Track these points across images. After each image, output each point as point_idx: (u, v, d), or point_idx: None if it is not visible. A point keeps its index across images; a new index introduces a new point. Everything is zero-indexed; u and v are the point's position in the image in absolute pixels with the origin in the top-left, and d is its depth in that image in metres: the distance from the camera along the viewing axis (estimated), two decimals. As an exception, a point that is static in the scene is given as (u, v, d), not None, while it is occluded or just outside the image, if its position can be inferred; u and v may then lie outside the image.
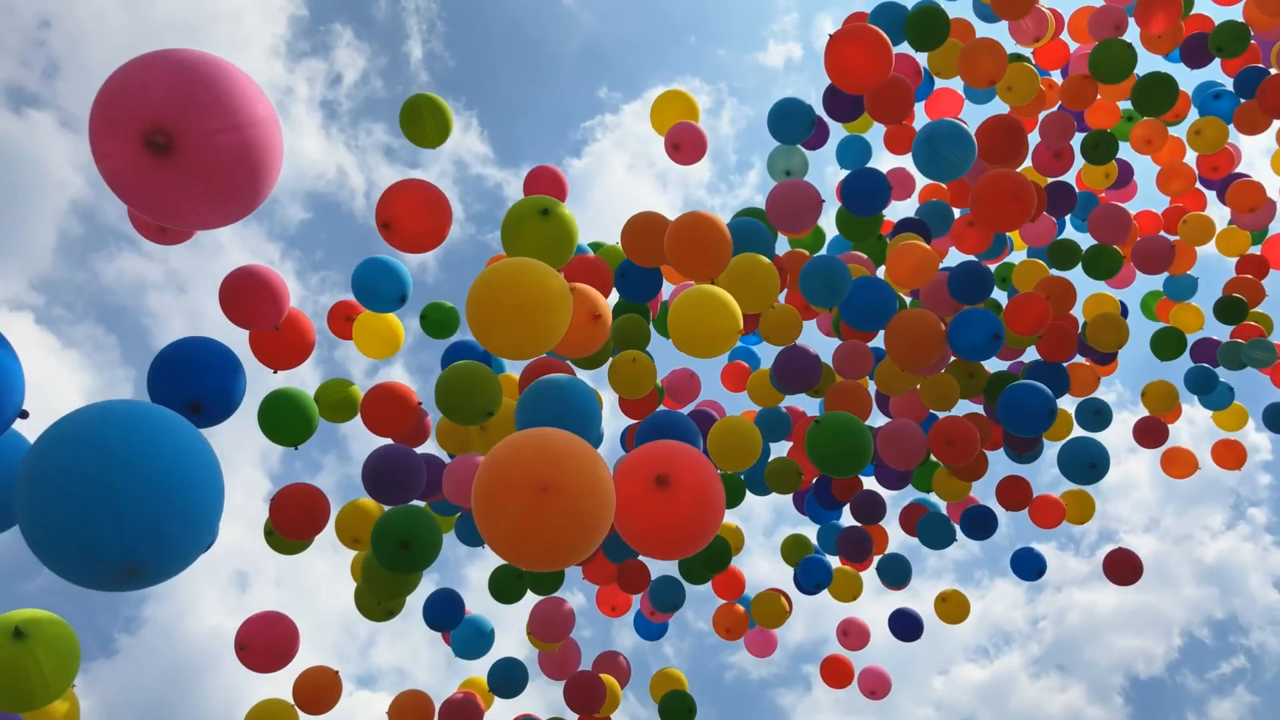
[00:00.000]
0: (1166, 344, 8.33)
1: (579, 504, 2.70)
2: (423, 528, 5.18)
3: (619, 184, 24.09)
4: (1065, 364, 7.41)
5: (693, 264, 5.46)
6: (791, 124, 7.12)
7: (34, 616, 3.78)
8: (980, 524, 7.71)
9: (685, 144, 7.01)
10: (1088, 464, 6.18)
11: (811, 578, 8.08)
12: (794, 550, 8.40)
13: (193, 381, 4.40)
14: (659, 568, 7.69)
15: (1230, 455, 8.86)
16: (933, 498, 8.17)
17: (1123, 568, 7.72)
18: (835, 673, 8.52)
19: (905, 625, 8.15)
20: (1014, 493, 7.74)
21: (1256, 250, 8.59)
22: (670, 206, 22.75)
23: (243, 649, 5.82)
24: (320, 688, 6.40)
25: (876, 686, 8.47)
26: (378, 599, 5.89)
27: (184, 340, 4.57)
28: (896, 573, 8.14)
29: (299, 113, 21.85)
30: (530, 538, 2.70)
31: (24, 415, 2.98)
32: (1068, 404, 7.73)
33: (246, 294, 5.39)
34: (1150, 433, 8.52)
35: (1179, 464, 8.83)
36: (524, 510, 2.64)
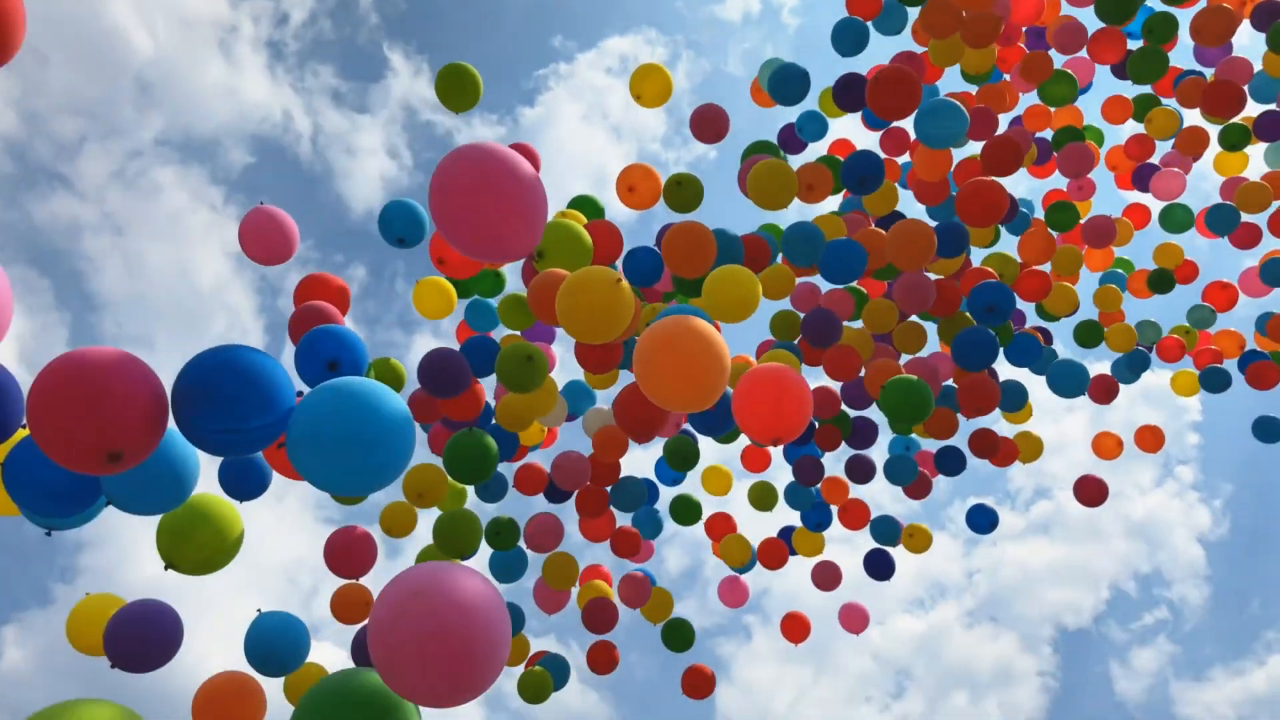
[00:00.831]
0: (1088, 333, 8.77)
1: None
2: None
3: (572, 134, 23.86)
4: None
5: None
6: (790, 88, 7.29)
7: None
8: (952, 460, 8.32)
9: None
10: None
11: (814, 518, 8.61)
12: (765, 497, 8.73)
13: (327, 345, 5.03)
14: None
15: (1151, 439, 9.27)
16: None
17: (1093, 491, 8.51)
18: (794, 628, 8.92)
19: (880, 564, 8.60)
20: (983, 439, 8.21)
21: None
22: (623, 157, 22.58)
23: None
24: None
25: (855, 622, 8.96)
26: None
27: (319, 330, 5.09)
28: (889, 533, 8.59)
29: (243, 52, 21.22)
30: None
31: None
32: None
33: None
34: (1103, 389, 8.81)
35: (1107, 448, 9.27)
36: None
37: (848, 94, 6.95)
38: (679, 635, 8.10)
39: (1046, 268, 8.37)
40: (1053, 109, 8.31)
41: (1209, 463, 21.53)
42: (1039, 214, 8.73)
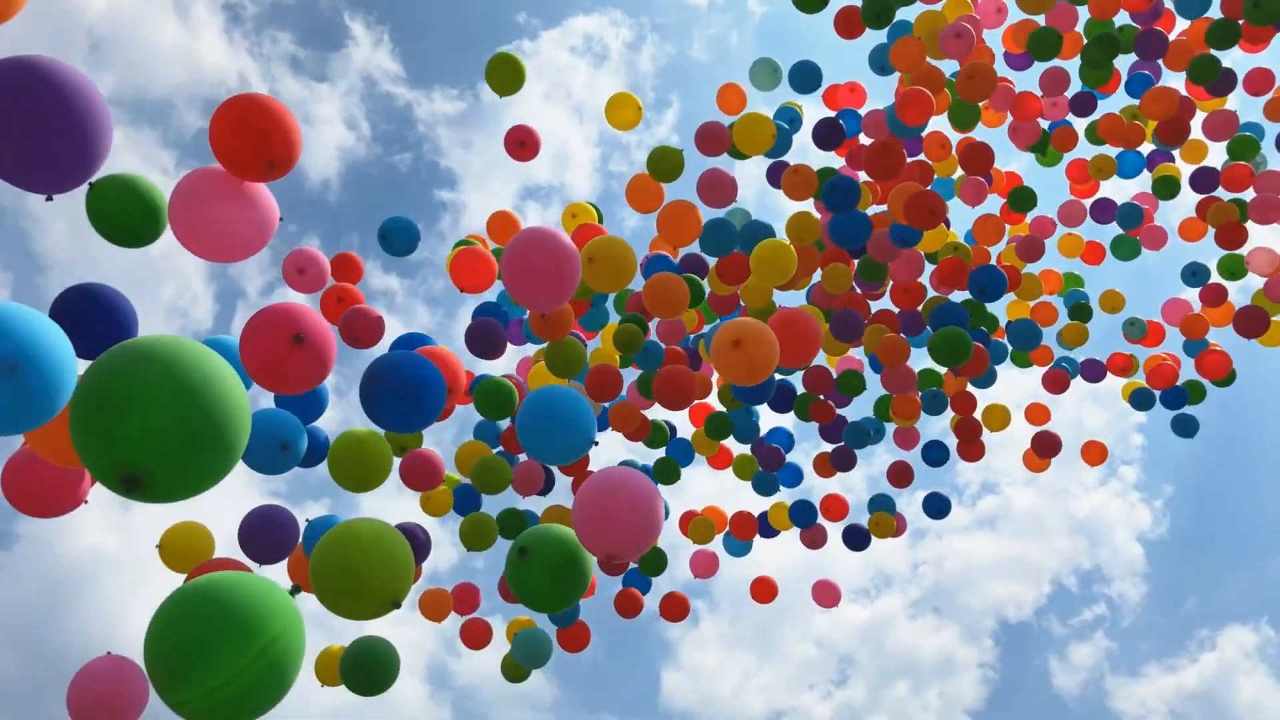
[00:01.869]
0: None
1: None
2: None
3: (533, 113, 23.67)
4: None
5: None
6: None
7: None
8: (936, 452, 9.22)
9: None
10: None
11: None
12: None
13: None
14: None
15: (1095, 453, 9.75)
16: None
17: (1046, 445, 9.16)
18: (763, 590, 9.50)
19: (858, 537, 9.25)
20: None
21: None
22: (586, 141, 22.42)
23: None
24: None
25: (827, 596, 9.42)
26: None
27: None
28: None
29: (200, 13, 20.74)
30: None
31: None
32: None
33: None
34: (1056, 382, 9.40)
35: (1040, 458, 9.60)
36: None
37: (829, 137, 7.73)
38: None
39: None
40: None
41: (1151, 463, 21.98)
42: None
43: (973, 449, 9.18)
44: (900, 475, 9.22)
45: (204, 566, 5.68)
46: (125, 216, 4.57)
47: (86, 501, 4.87)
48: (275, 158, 4.07)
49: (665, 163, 7.41)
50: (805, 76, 8.11)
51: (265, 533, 5.76)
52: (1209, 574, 22.35)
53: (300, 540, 5.88)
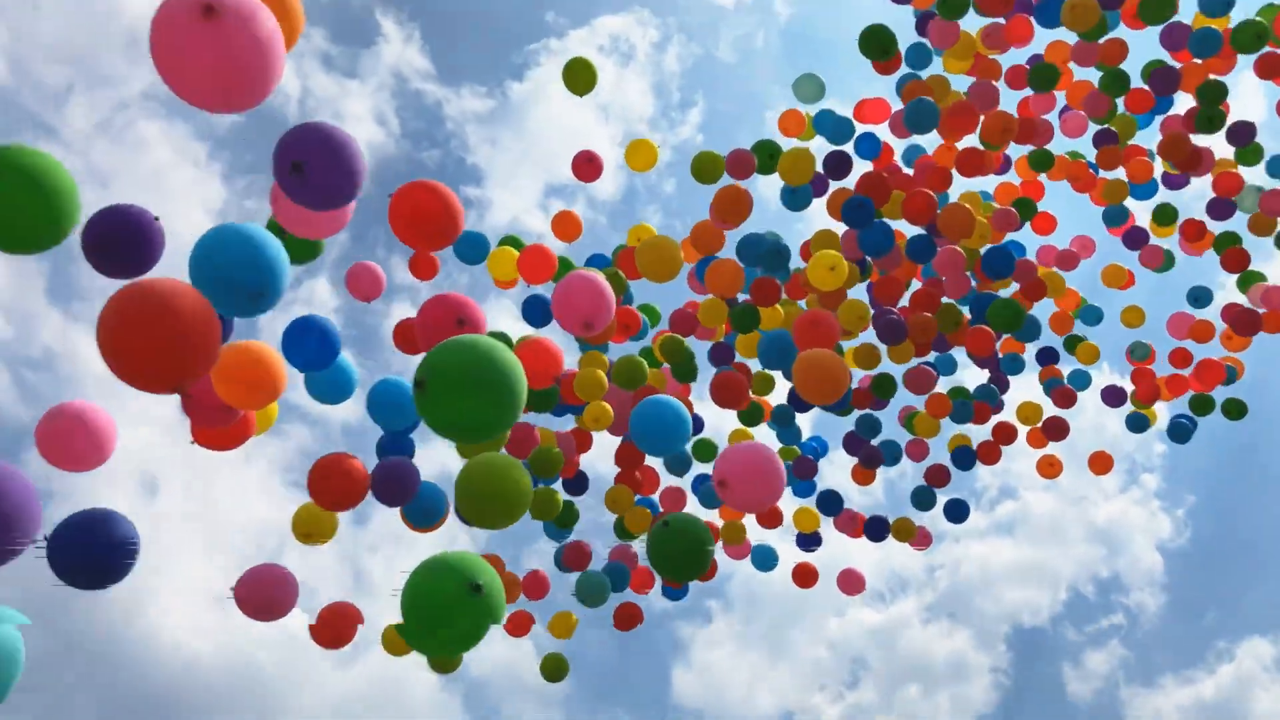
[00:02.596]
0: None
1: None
2: None
3: (559, 111, 23.77)
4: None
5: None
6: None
7: None
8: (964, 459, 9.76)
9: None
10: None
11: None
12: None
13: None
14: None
15: (1100, 463, 10.17)
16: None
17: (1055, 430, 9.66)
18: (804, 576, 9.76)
19: (878, 528, 9.64)
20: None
21: None
22: (610, 140, 22.49)
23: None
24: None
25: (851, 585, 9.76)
26: None
27: None
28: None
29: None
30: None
31: None
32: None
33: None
34: (1064, 398, 9.83)
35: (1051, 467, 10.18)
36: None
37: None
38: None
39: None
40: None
41: (1173, 472, 21.86)
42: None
43: (994, 452, 9.71)
44: (937, 476, 9.69)
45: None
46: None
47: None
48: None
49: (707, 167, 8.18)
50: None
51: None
52: (1229, 585, 22.21)
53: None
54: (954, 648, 21.80)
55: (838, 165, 8.48)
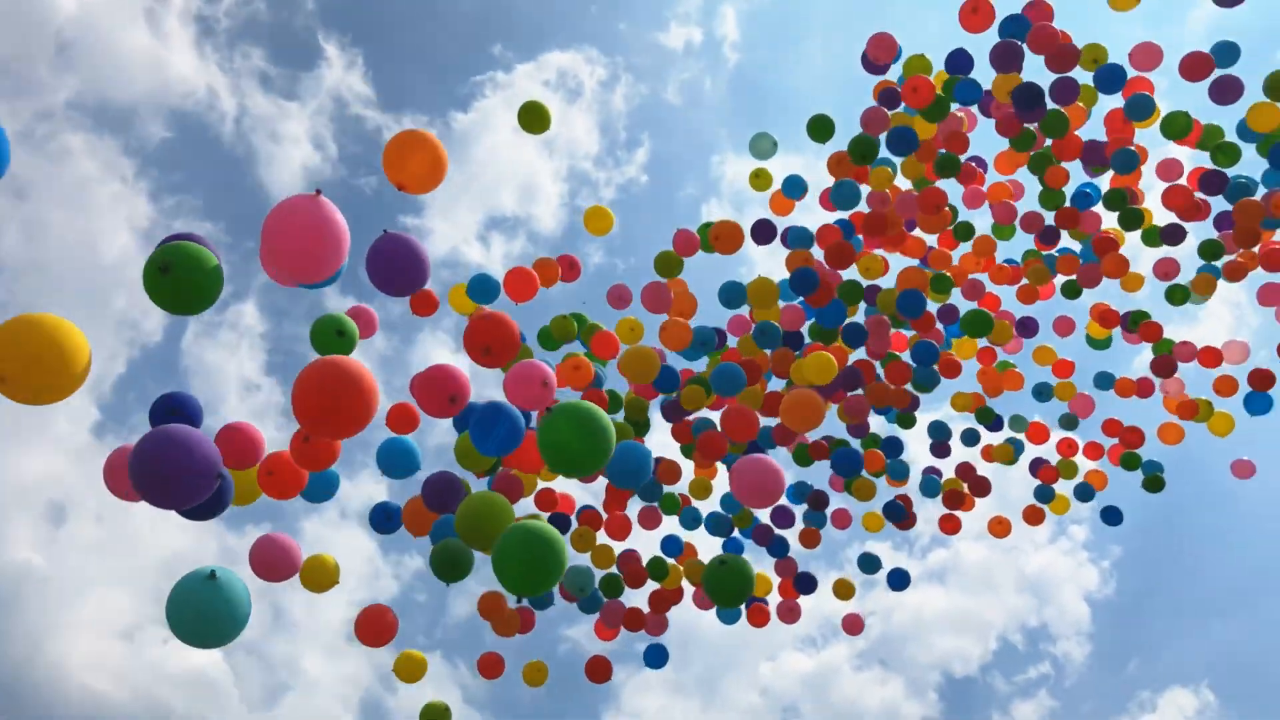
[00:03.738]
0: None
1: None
2: None
3: (504, 144, 23.57)
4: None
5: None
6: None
7: None
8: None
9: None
10: None
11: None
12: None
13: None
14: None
15: (1035, 515, 11.00)
16: None
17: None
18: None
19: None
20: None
21: None
22: (554, 175, 22.34)
23: None
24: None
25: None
26: None
27: None
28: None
29: (171, 24, 20.42)
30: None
31: None
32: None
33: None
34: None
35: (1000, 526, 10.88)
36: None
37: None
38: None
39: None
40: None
41: (1100, 524, 22.07)
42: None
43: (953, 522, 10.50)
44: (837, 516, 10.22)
45: None
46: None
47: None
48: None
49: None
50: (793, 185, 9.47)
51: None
52: (1153, 636, 22.46)
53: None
54: (886, 695, 21.69)
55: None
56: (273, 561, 6.31)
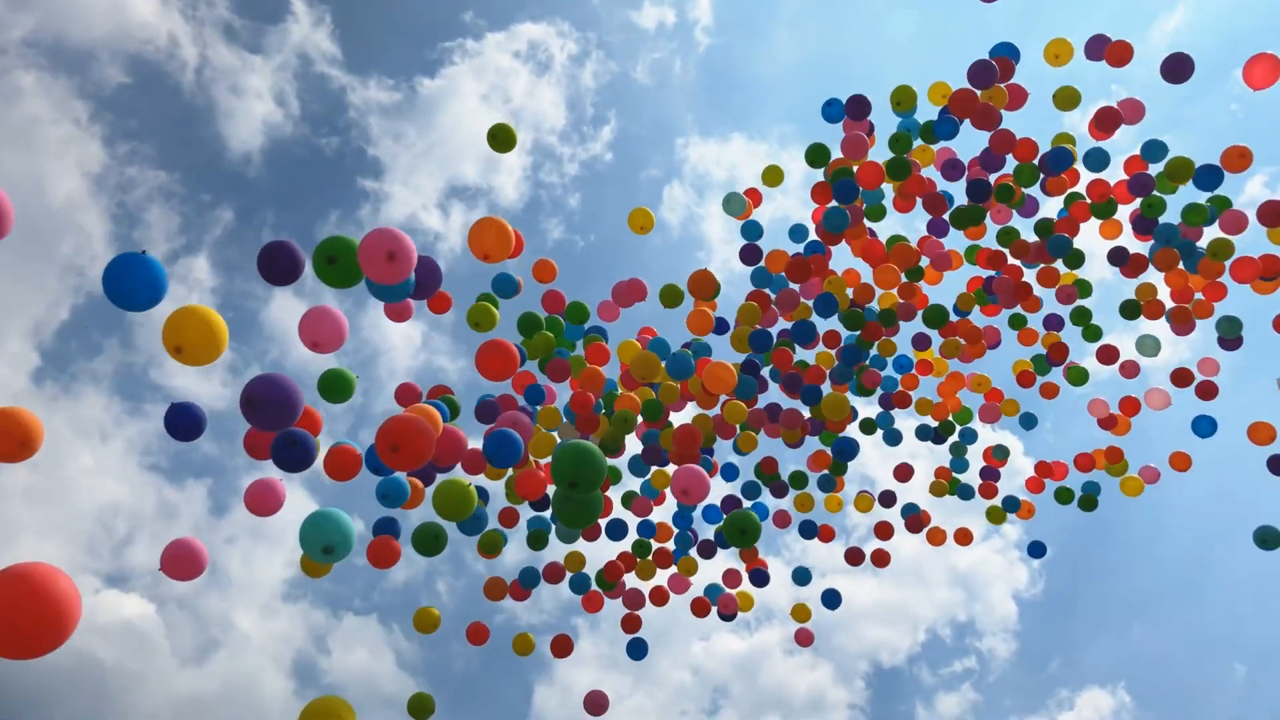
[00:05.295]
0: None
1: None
2: None
3: (469, 112, 23.47)
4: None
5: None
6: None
7: None
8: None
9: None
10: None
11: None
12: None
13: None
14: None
15: (964, 537, 11.74)
16: None
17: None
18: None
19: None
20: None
21: None
22: (519, 148, 22.27)
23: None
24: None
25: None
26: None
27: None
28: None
29: (133, -34, 20.04)
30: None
31: None
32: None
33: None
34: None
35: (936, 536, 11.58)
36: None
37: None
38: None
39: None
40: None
41: (1033, 524, 22.61)
42: None
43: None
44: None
45: None
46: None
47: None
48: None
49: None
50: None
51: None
52: (1076, 636, 23.14)
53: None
54: (814, 681, 22.15)
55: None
56: (180, 560, 6.83)
